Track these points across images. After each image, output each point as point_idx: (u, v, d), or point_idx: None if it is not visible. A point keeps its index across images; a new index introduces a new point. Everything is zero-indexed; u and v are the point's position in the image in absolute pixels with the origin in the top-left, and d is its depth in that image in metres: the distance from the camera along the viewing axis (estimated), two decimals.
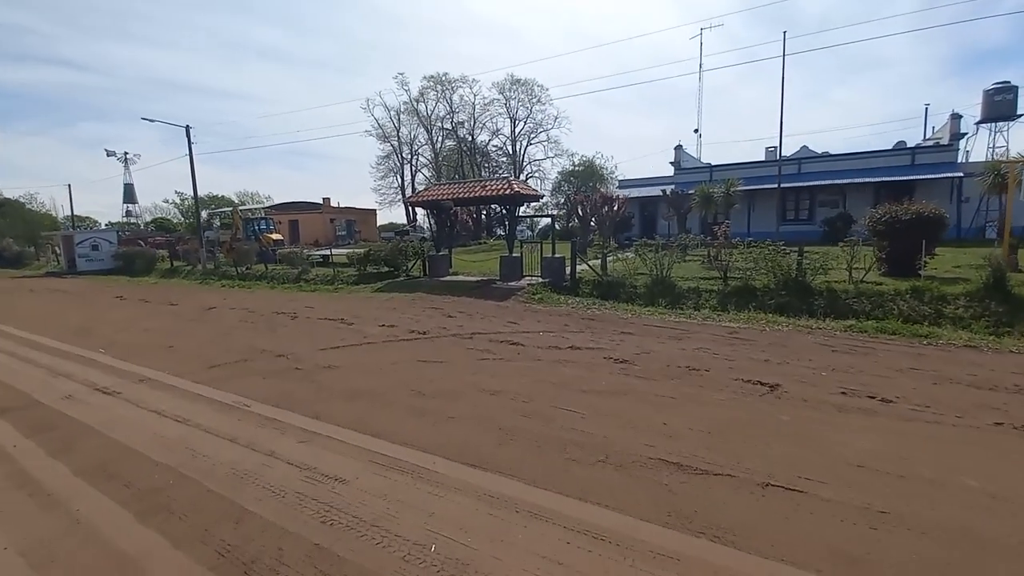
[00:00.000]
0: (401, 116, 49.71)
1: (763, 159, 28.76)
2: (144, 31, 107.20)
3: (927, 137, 26.10)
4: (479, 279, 15.94)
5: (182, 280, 23.30)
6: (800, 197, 24.31)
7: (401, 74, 46.97)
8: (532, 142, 49.63)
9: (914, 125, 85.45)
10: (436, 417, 4.70)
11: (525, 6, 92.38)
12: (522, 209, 18.19)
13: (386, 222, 60.65)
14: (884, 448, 3.80)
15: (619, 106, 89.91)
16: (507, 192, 15.06)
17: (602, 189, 21.99)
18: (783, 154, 29.75)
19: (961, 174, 19.77)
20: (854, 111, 72.33)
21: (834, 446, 3.85)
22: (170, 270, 26.12)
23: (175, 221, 55.83)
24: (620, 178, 34.92)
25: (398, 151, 51.05)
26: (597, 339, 7.98)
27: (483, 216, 47.78)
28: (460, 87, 47.47)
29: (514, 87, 46.80)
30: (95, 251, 29.12)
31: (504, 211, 16.87)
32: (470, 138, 49.21)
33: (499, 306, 12.10)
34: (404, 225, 45.95)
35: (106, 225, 55.03)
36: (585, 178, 35.60)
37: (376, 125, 50.04)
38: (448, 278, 16.71)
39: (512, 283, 14.74)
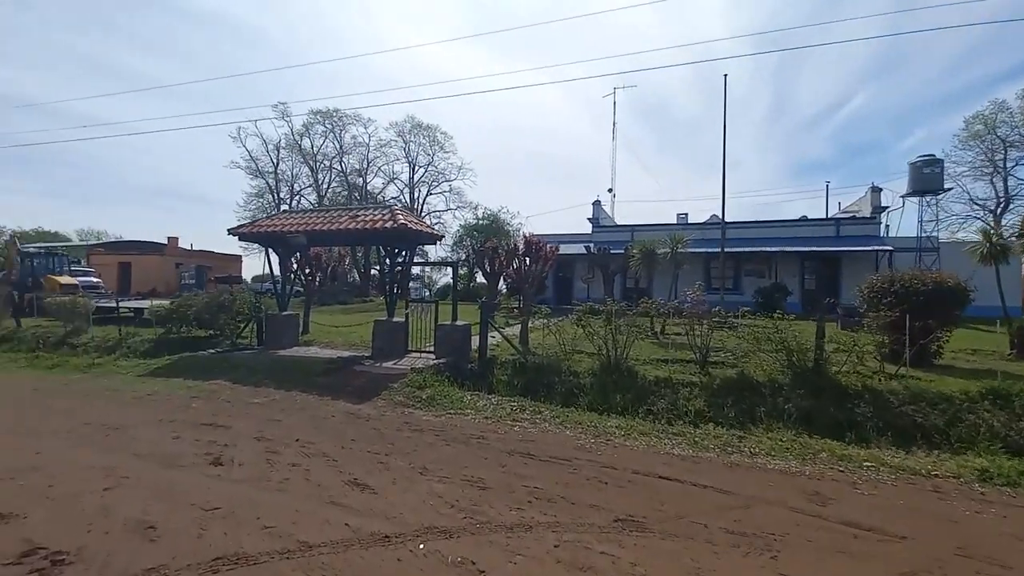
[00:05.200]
0: (281, 151, 42.98)
1: (675, 222, 26.96)
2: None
3: (843, 209, 26.03)
4: (340, 356, 10.30)
5: None
6: (726, 265, 22.15)
7: (283, 104, 40.43)
8: (433, 191, 45.29)
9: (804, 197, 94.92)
10: None
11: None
12: (415, 255, 13.14)
13: (264, 272, 51.23)
14: None
15: (517, 168, 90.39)
16: (389, 226, 9.97)
17: (513, 240, 17.97)
18: (695, 220, 28.67)
19: (891, 248, 18.61)
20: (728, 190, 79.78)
21: None
22: None
23: None
24: (530, 233, 31.48)
25: (274, 189, 43.63)
26: (587, 559, 2.92)
27: (377, 269, 41.63)
28: (352, 124, 42.32)
29: (415, 131, 42.70)
30: None
31: (385, 253, 11.67)
32: (361, 182, 43.59)
33: (352, 416, 6.60)
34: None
35: None
36: (490, 233, 31.66)
37: (249, 157, 42.60)
38: (292, 351, 10.84)
39: (388, 364, 9.37)
